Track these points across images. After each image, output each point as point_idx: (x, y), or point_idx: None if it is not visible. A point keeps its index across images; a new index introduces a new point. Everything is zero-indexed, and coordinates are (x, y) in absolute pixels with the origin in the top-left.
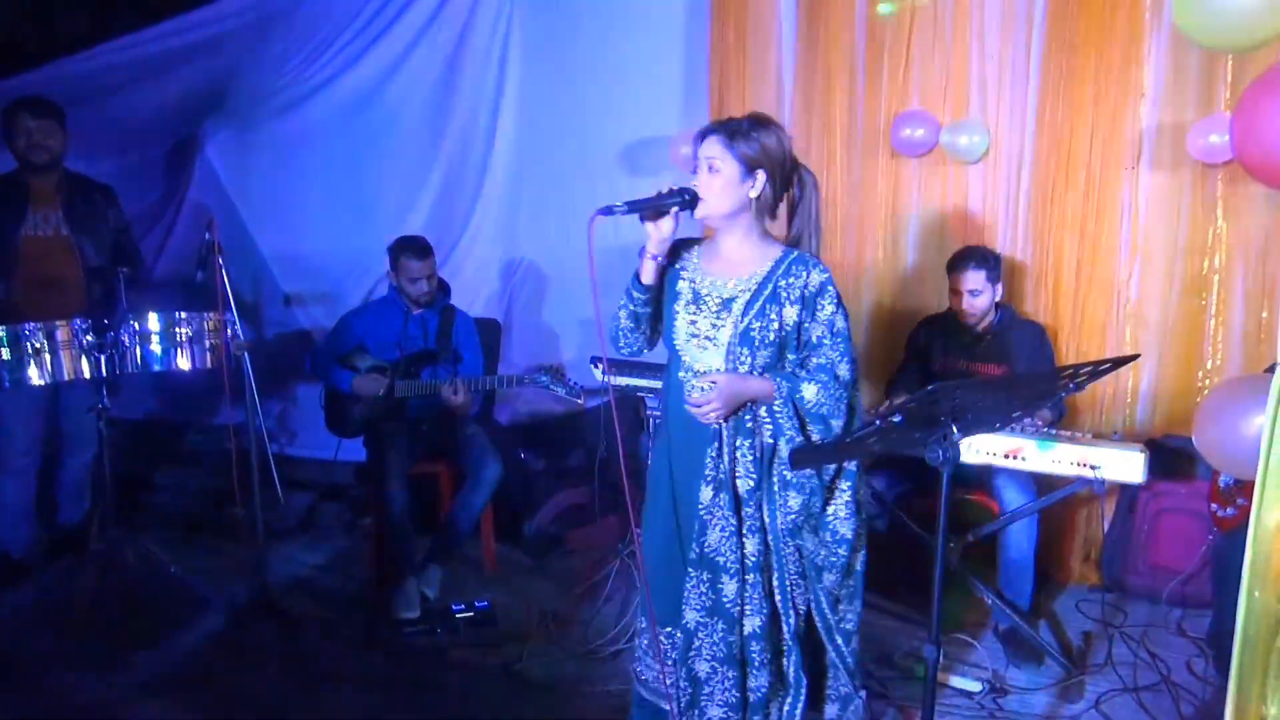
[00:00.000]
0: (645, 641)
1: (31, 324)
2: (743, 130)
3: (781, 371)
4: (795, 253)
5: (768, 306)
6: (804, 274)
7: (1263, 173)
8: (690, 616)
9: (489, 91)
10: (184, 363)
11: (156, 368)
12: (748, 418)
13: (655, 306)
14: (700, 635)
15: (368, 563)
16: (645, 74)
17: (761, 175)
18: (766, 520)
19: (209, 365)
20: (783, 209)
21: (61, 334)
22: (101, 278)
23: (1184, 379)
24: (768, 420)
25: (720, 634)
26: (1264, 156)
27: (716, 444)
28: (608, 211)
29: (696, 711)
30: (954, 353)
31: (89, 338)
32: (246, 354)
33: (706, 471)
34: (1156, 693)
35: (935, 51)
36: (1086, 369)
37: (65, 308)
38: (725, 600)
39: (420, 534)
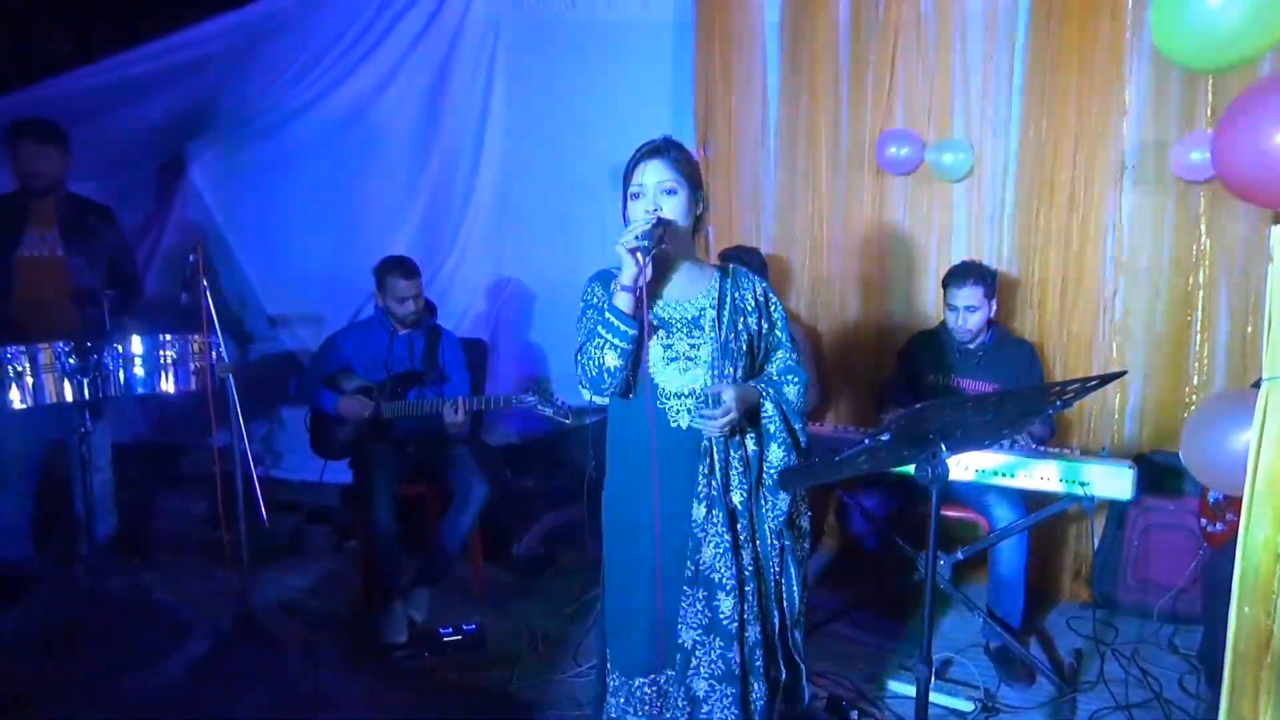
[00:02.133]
0: (621, 699)
1: (14, 347)
2: (675, 150)
3: (759, 378)
4: (726, 265)
5: (735, 318)
6: (749, 284)
7: (1243, 191)
8: (687, 635)
9: (475, 111)
10: (168, 386)
11: (140, 391)
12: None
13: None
14: (698, 654)
15: (354, 586)
16: (631, 92)
17: (700, 193)
18: (755, 529)
19: (193, 388)
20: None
21: (44, 357)
22: (92, 299)
23: (1171, 394)
24: (750, 429)
25: (719, 651)
26: (1244, 175)
27: (708, 460)
28: (645, 250)
29: None
30: (945, 369)
31: (71, 361)
32: (231, 376)
33: (699, 489)
34: (1149, 710)
35: (919, 70)
36: (1074, 385)
37: (57, 328)
38: (722, 617)
39: (407, 556)
